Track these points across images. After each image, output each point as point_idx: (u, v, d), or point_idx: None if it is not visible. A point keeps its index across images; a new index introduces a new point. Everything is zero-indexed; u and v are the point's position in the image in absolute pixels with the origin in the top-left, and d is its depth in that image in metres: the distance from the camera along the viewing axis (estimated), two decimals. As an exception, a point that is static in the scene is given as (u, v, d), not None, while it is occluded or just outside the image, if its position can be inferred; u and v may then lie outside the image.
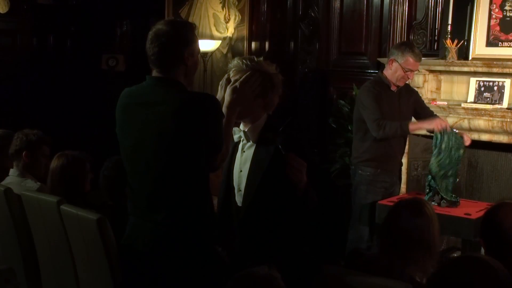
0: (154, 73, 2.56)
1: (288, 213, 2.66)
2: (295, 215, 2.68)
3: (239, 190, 2.75)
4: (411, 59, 4.19)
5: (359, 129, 4.35)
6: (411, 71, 4.24)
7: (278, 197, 2.63)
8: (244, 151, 2.75)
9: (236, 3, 6.32)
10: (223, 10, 6.42)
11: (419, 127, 4.25)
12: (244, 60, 2.70)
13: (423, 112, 4.42)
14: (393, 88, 4.30)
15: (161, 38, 2.50)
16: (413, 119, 4.33)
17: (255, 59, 2.72)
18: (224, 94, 2.67)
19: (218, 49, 6.37)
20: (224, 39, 6.40)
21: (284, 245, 2.67)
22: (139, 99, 2.55)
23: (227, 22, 6.40)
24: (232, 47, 6.39)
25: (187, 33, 2.56)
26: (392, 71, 4.25)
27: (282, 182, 2.58)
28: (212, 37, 6.43)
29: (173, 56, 2.51)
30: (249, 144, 2.73)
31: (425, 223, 2.43)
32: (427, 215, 2.44)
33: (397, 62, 4.21)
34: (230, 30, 6.39)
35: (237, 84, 2.62)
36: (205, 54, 6.25)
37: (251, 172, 2.69)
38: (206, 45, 6.22)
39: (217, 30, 6.48)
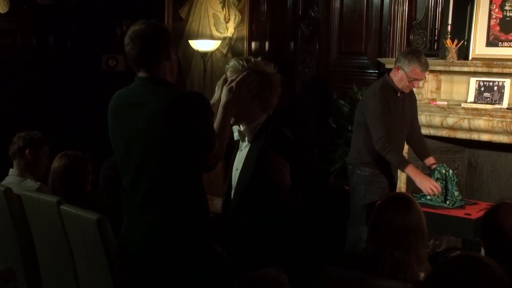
0: (141, 73, 2.55)
1: (271, 214, 2.66)
2: (277, 216, 2.67)
3: (234, 188, 2.77)
4: (417, 69, 4.15)
5: (361, 131, 4.33)
6: (417, 80, 4.22)
7: (263, 197, 2.63)
8: (241, 150, 2.77)
9: (236, 3, 6.32)
10: (223, 10, 6.42)
11: (411, 175, 4.16)
12: (240, 61, 2.70)
13: (412, 126, 4.45)
14: (399, 94, 4.29)
15: (143, 37, 2.49)
16: (412, 166, 4.17)
17: (252, 59, 2.72)
18: (220, 94, 2.67)
19: (218, 49, 6.37)
20: (224, 39, 6.40)
21: (271, 245, 2.66)
22: (128, 100, 2.55)
23: (227, 22, 6.40)
24: (232, 47, 6.38)
25: (165, 31, 2.58)
26: (398, 78, 4.21)
27: (266, 183, 2.58)
28: (212, 37, 6.43)
29: (158, 54, 2.51)
30: (245, 143, 2.74)
31: (417, 213, 2.46)
32: (415, 207, 2.48)
33: (403, 70, 4.16)
34: (230, 30, 6.38)
35: (233, 84, 2.62)
36: (205, 54, 6.24)
37: (242, 171, 2.71)
38: (206, 45, 6.22)
39: (217, 30, 6.48)
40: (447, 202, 4.03)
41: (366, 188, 4.33)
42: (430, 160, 4.43)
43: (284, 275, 1.95)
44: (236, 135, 2.78)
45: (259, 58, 2.77)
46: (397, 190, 4.65)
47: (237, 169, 2.77)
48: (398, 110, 4.28)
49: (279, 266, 2.02)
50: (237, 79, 2.63)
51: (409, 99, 4.41)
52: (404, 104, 4.34)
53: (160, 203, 2.50)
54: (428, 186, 4.03)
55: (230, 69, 2.72)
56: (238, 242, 2.74)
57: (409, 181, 5.05)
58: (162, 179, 2.49)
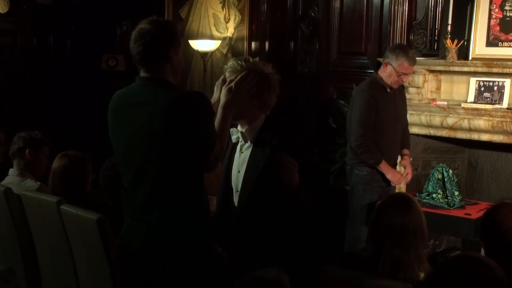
0: (142, 73, 2.55)
1: (281, 213, 2.66)
2: (288, 215, 2.68)
3: (237, 190, 2.76)
4: (405, 64, 4.19)
5: None
6: (405, 74, 4.24)
7: (273, 197, 2.63)
8: (242, 152, 2.76)
9: (236, 3, 6.32)
10: (223, 10, 6.42)
11: (383, 171, 4.31)
12: (239, 61, 2.70)
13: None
14: (389, 90, 4.30)
15: (145, 37, 2.48)
16: (384, 163, 4.30)
17: (250, 59, 2.72)
18: (219, 95, 2.67)
19: (218, 49, 6.37)
20: (224, 39, 6.40)
21: (280, 245, 2.67)
22: (129, 100, 2.55)
23: (227, 22, 6.40)
24: (232, 47, 6.39)
25: (170, 32, 2.55)
26: (387, 74, 4.25)
27: (276, 183, 2.58)
28: (212, 37, 6.43)
29: (158, 54, 2.50)
30: (247, 145, 2.74)
31: (417, 213, 2.47)
32: (415, 207, 2.49)
33: (391, 65, 4.20)
34: (230, 30, 6.39)
35: (232, 84, 2.62)
36: (205, 54, 6.25)
37: (248, 173, 2.70)
38: (206, 45, 6.22)
39: (217, 30, 6.48)
40: (447, 201, 4.03)
41: (364, 188, 4.34)
42: (403, 152, 4.52)
43: (285, 275, 1.95)
44: (234, 137, 2.77)
45: (258, 58, 2.77)
46: (397, 190, 4.65)
47: (239, 172, 2.75)
48: (389, 106, 4.31)
49: (280, 266, 2.02)
50: (236, 79, 2.63)
51: (400, 94, 4.45)
52: (395, 100, 4.37)
53: (162, 203, 2.50)
54: (398, 177, 4.32)
55: (228, 69, 2.73)
56: (246, 242, 2.73)
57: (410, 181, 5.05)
58: (164, 179, 2.49)
